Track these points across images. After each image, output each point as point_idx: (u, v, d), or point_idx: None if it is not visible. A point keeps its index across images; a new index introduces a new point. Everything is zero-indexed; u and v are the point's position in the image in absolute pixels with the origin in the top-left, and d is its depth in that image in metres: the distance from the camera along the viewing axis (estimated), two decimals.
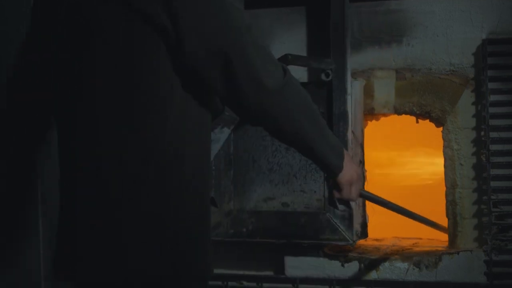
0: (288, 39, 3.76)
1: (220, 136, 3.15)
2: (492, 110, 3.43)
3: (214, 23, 1.97)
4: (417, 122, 3.67)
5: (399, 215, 3.59)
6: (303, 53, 3.72)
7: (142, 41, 1.95)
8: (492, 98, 3.44)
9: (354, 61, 3.59)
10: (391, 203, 3.06)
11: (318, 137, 2.23)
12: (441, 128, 3.58)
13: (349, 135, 3.45)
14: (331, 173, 2.38)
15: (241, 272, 3.77)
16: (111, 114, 1.96)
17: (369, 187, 3.62)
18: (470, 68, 3.52)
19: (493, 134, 3.43)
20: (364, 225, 3.60)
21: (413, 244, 3.77)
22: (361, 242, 3.66)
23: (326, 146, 2.26)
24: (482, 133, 3.45)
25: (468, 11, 3.52)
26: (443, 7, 3.56)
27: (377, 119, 3.76)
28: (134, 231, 1.98)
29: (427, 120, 3.62)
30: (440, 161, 3.59)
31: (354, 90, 3.52)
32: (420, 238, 3.87)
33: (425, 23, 3.59)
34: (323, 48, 3.60)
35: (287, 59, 3.22)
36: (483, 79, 3.44)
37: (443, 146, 3.57)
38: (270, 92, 2.03)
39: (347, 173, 2.40)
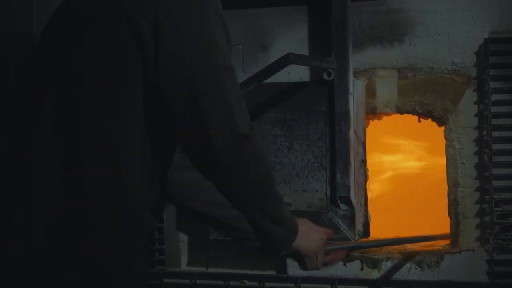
0: (290, 38, 3.76)
1: None
2: (494, 109, 3.43)
3: (197, 53, 1.90)
4: (419, 121, 3.67)
5: (401, 214, 3.60)
6: (305, 52, 3.72)
7: (123, 46, 1.92)
8: (494, 97, 3.43)
9: (356, 60, 3.59)
10: (366, 242, 3.04)
11: (275, 201, 2.12)
12: (443, 127, 3.58)
13: (351, 135, 3.45)
14: (274, 247, 2.19)
15: (243, 271, 3.77)
16: (86, 115, 1.94)
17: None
18: (472, 67, 3.51)
19: (495, 134, 3.43)
20: (366, 225, 3.59)
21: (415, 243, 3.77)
22: (363, 241, 3.66)
23: (281, 216, 2.14)
24: (484, 132, 3.45)
25: (470, 10, 3.52)
26: (445, 6, 3.55)
27: (379, 118, 3.75)
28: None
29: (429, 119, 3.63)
30: None
31: (356, 89, 3.52)
32: None
33: (427, 22, 3.58)
34: (324, 47, 3.60)
35: (289, 59, 3.22)
36: (485, 78, 3.44)
37: (445, 145, 3.56)
38: (242, 137, 1.95)
39: (308, 244, 2.26)
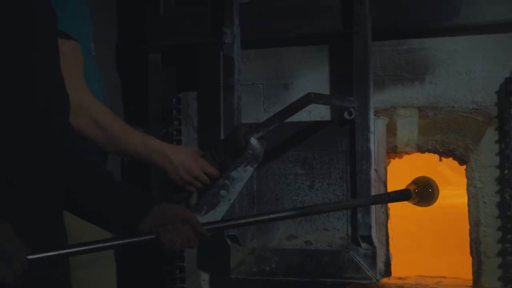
0: (311, 77, 3.78)
1: (243, 174, 3.16)
2: None
3: None
4: (440, 160, 3.67)
5: (424, 253, 3.57)
6: (326, 91, 3.74)
7: None
8: None
9: (376, 99, 3.60)
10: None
11: None
12: (464, 166, 3.57)
13: (372, 174, 3.45)
14: None
15: None
16: None
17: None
18: (493, 106, 3.51)
19: None
20: (387, 264, 3.59)
21: (437, 282, 3.74)
22: (385, 280, 3.64)
23: None
24: (506, 171, 3.44)
25: (491, 50, 3.52)
26: (466, 46, 3.56)
27: (400, 157, 3.76)
28: None
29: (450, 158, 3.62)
30: None
31: (376, 128, 3.53)
32: (444, 277, 3.84)
33: (448, 61, 3.59)
34: (345, 87, 3.62)
35: (310, 98, 3.23)
36: (506, 117, 3.44)
37: (467, 184, 3.56)
38: None
39: None
